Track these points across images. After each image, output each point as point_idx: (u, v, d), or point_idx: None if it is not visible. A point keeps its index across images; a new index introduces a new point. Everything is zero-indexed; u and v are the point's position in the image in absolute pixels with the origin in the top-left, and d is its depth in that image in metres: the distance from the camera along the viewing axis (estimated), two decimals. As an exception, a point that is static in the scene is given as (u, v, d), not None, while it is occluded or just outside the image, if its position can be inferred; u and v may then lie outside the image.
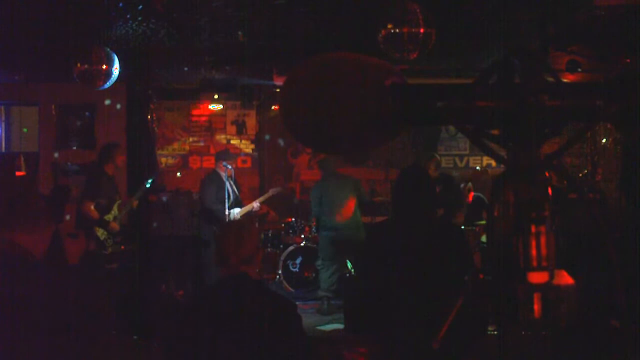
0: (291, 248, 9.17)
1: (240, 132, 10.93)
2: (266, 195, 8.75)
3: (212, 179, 8.28)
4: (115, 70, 6.54)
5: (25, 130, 10.58)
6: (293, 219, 9.47)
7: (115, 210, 7.23)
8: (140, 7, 5.94)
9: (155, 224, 8.15)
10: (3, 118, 10.67)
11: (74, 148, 10.22)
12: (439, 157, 8.80)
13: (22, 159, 10.12)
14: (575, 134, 1.41)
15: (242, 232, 2.95)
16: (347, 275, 8.11)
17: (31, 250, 2.50)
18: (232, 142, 10.87)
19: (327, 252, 8.34)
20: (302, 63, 1.49)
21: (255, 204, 8.50)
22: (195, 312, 2.94)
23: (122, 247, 7.35)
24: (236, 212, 8.29)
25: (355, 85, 1.39)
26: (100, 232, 7.14)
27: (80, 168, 9.65)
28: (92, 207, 7.13)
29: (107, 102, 9.63)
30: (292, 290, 8.95)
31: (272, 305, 2.87)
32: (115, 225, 7.20)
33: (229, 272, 2.91)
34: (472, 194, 8.25)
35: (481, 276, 1.44)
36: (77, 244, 7.68)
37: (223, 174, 8.18)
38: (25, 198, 2.59)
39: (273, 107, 10.35)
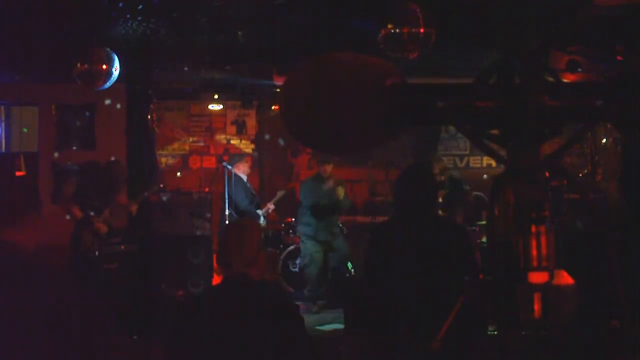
0: (291, 248, 9.16)
1: (240, 132, 10.91)
2: (278, 196, 9.26)
3: (238, 182, 8.65)
4: (115, 70, 6.52)
5: (25, 130, 10.55)
6: (293, 219, 9.45)
7: (106, 214, 7.22)
8: (140, 7, 5.93)
9: (155, 224, 8.14)
10: (3, 118, 10.65)
11: (74, 148, 10.20)
12: (444, 160, 8.77)
13: (22, 159, 10.09)
14: (575, 134, 1.41)
15: (244, 234, 2.94)
16: (347, 275, 8.08)
17: (20, 246, 2.46)
18: (232, 142, 10.86)
19: None
20: (302, 63, 1.49)
21: (271, 206, 9.08)
22: (197, 313, 2.94)
23: (122, 247, 7.34)
24: (260, 213, 8.83)
25: (355, 85, 1.39)
26: (84, 234, 7.06)
27: (80, 168, 9.63)
28: (77, 208, 7.14)
29: (107, 102, 9.61)
30: (292, 290, 8.93)
31: (274, 307, 2.86)
32: (102, 227, 7.15)
33: (231, 274, 2.90)
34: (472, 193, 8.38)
35: (481, 276, 1.44)
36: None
37: (243, 176, 8.76)
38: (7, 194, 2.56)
39: (273, 107, 10.33)
